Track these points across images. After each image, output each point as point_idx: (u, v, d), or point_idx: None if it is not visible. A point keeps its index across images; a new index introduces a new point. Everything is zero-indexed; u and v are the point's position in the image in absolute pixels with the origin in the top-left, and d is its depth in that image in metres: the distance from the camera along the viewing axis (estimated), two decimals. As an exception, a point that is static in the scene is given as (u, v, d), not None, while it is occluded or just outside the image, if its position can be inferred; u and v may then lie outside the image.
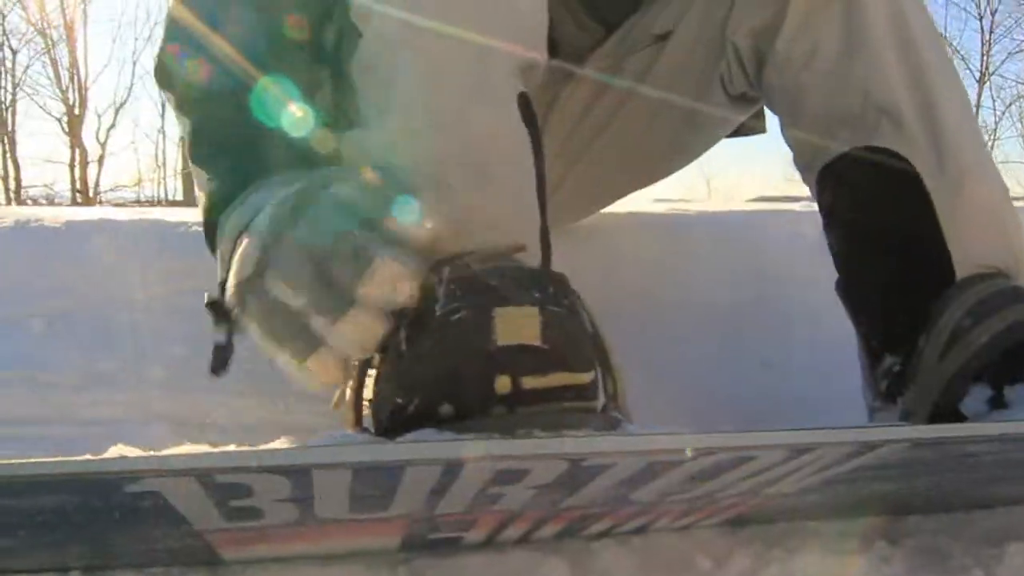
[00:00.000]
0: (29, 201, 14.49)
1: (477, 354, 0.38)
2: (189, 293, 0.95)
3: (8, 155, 11.49)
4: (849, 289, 0.77)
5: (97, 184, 11.98)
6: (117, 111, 11.39)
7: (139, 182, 13.40)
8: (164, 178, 12.56)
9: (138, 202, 14.48)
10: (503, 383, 0.37)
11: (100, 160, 11.78)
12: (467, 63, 0.58)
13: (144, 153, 13.92)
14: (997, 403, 0.62)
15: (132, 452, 0.39)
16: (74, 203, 12.24)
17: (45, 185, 13.67)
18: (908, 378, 0.69)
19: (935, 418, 0.66)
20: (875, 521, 0.65)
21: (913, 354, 0.68)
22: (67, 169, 11.66)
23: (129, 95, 11.35)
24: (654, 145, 0.96)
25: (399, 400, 0.39)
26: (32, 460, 0.29)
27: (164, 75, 0.65)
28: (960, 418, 0.65)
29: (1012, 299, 0.65)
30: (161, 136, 12.27)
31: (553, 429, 0.36)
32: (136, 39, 11.84)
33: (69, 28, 10.38)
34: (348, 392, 0.44)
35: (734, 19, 0.83)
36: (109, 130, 11.39)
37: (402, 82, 0.58)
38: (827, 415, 0.79)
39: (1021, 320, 0.63)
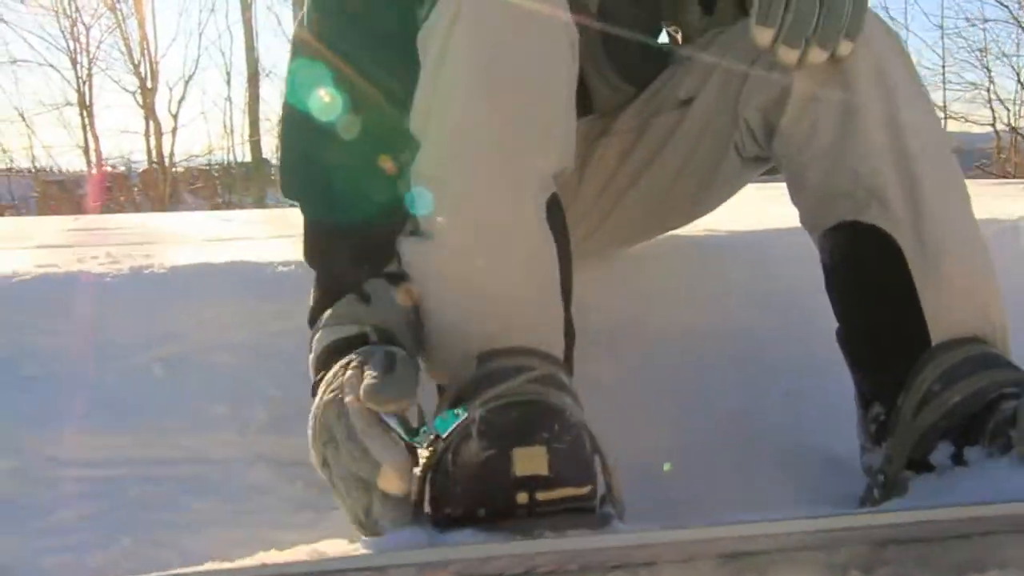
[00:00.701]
0: (109, 168, 15.29)
1: (502, 481, 0.53)
2: (280, 335, 1.13)
3: (88, 128, 12.08)
4: (845, 340, 0.88)
5: (172, 154, 12.51)
6: (187, 83, 11.81)
7: (210, 151, 13.90)
8: (232, 145, 12.99)
9: (209, 166, 15.11)
10: (522, 497, 0.53)
11: (173, 132, 12.27)
12: (507, 182, 0.72)
13: (213, 120, 14.38)
14: (958, 460, 0.73)
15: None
16: (150, 168, 12.77)
17: (122, 156, 14.36)
18: (889, 428, 0.80)
19: (910, 465, 0.78)
20: (852, 551, 0.76)
21: (894, 408, 0.79)
22: (143, 139, 12.18)
23: (196, 67, 11.72)
24: (678, 198, 1.07)
25: (448, 509, 0.55)
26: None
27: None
28: (930, 468, 0.76)
29: (979, 366, 0.76)
30: (228, 104, 12.67)
31: (559, 529, 0.51)
32: (200, 11, 12.12)
33: (138, 2, 10.75)
34: (413, 491, 0.59)
35: (745, 93, 0.93)
36: (180, 102, 11.84)
37: (451, 198, 0.72)
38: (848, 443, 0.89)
39: (983, 387, 0.74)
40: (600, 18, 0.97)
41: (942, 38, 11.02)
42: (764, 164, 1.00)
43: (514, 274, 0.69)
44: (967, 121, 11.56)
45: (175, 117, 11.78)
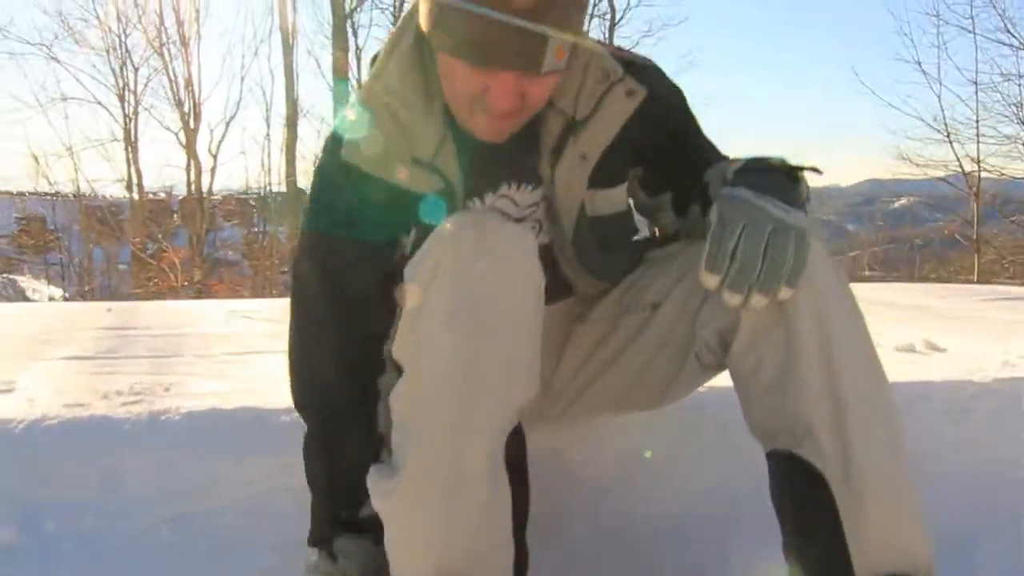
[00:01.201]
0: (151, 195, 15.77)
1: None
2: (282, 493, 1.21)
3: (132, 164, 12.49)
4: (785, 558, 0.93)
5: (210, 191, 12.87)
6: (228, 124, 12.18)
7: (247, 187, 14.29)
8: (269, 182, 13.33)
9: (246, 194, 15.55)
10: None
11: (212, 171, 12.64)
12: (467, 433, 0.80)
13: (252, 157, 14.82)
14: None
15: None
16: (189, 198, 13.09)
17: (164, 186, 14.80)
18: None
19: None
20: None
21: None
22: (183, 172, 12.56)
23: (238, 109, 12.11)
24: (643, 390, 1.13)
25: None
26: None
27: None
28: None
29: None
30: (267, 142, 13.01)
31: None
32: (243, 55, 12.55)
33: (185, 44, 11.15)
34: None
35: (704, 314, 0.99)
36: (220, 142, 12.21)
37: (414, 440, 0.80)
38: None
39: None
40: (576, 246, 1.05)
41: (976, 93, 10.88)
42: (721, 370, 1.06)
43: (466, 522, 0.77)
44: (1002, 174, 11.43)
45: (215, 157, 12.13)
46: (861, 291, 3.18)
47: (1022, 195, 11.96)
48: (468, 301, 0.81)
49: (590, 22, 12.21)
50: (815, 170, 1.00)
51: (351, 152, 0.91)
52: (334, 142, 0.95)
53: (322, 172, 0.97)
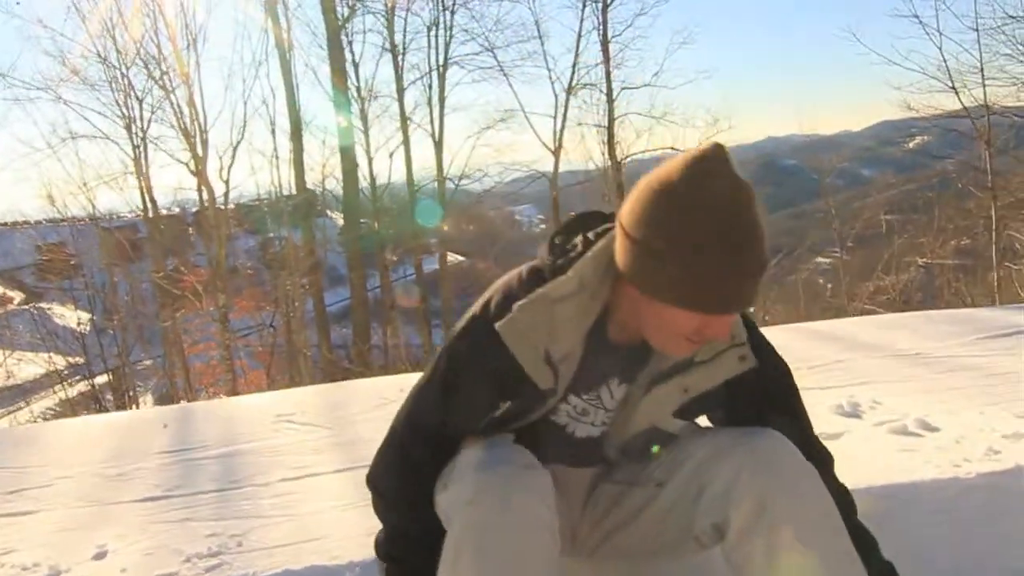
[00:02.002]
0: (165, 211, 16.06)
1: None
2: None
3: (146, 193, 12.71)
4: None
5: (226, 217, 13.05)
6: (235, 149, 12.28)
7: (258, 197, 14.48)
8: (280, 189, 13.49)
9: (259, 200, 15.78)
10: None
11: (226, 195, 12.82)
12: None
13: (261, 171, 14.92)
14: None
15: None
16: (203, 213, 13.30)
17: (178, 203, 15.00)
18: None
19: None
20: None
21: None
22: (195, 193, 12.74)
23: (243, 134, 12.15)
24: (654, 551, 1.31)
25: None
26: None
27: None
28: None
29: None
30: (275, 159, 13.11)
31: None
32: (244, 79, 12.59)
33: (184, 74, 11.25)
34: None
35: (702, 505, 1.17)
36: (230, 168, 12.32)
37: None
38: None
39: None
40: (625, 443, 1.25)
41: (978, 39, 10.71)
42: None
43: None
44: (1014, 117, 11.30)
45: (227, 183, 12.31)
46: (857, 332, 3.32)
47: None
48: (495, 554, 1.01)
49: (584, 8, 12.14)
50: None
51: (507, 326, 1.06)
52: (501, 304, 1.10)
53: (467, 328, 1.13)
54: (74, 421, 3.54)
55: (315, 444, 2.45)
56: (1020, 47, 10.69)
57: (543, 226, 22.80)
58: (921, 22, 11.03)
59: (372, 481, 1.26)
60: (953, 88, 11.07)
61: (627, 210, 1.01)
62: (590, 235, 1.12)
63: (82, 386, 13.41)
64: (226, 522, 1.93)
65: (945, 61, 11.01)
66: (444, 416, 1.15)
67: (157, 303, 13.00)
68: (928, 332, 3.22)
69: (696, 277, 0.96)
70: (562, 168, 13.93)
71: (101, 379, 13.47)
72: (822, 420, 2.20)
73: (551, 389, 1.11)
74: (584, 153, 14.03)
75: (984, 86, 10.95)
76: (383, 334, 14.85)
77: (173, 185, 13.65)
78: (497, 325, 1.06)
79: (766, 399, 1.23)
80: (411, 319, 16.32)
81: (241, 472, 2.27)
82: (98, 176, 12.55)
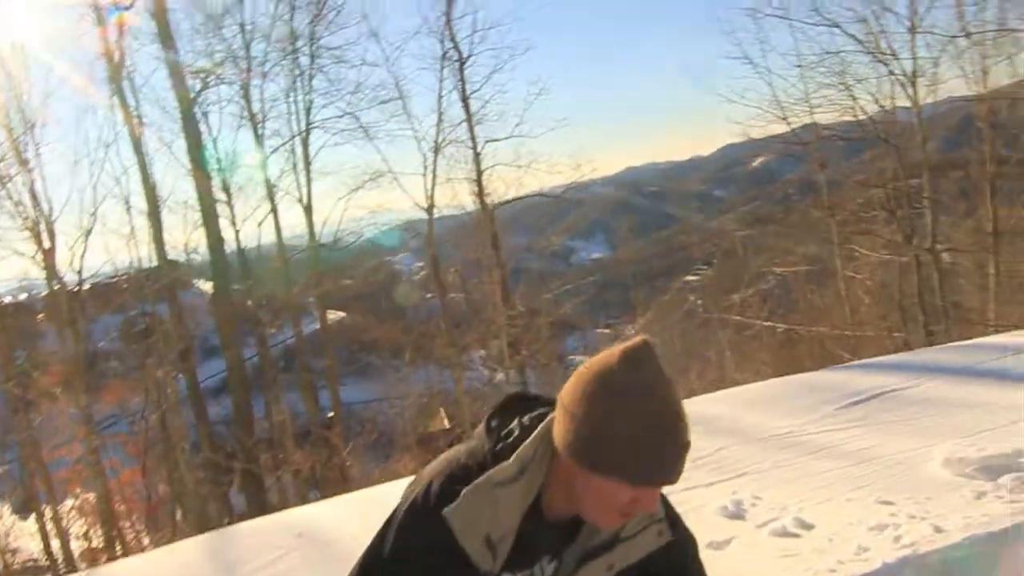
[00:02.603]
0: (9, 298, 14.67)
1: None
2: None
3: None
4: None
5: (82, 309, 12.12)
6: (87, 236, 11.40)
7: (117, 277, 13.54)
8: (140, 261, 12.66)
9: (115, 277, 14.75)
10: None
11: (79, 282, 11.88)
12: None
13: (120, 256, 13.80)
14: None
15: None
16: (52, 295, 12.27)
17: (20, 283, 13.75)
18: None
19: None
20: None
21: None
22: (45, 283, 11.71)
23: (94, 220, 11.24)
24: None
25: None
26: None
27: None
28: None
29: None
30: (133, 239, 12.29)
31: None
32: (92, 162, 11.65)
33: (22, 162, 10.38)
34: None
35: None
36: (82, 257, 11.43)
37: None
38: None
39: None
40: None
41: (801, 74, 11.85)
42: None
43: None
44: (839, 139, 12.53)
45: (79, 273, 11.43)
46: (733, 413, 3.52)
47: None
48: None
49: (442, 69, 12.36)
50: None
51: (457, 513, 1.11)
52: (444, 486, 1.14)
53: (413, 508, 1.16)
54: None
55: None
56: (836, 77, 11.90)
57: (422, 273, 22.73)
58: (752, 62, 12.03)
59: None
60: (785, 119, 12.13)
61: (568, 392, 1.10)
62: (525, 420, 1.19)
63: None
64: None
65: (776, 96, 12.05)
66: None
67: (7, 407, 11.81)
68: (789, 406, 3.49)
69: (635, 452, 1.06)
70: (436, 214, 14.01)
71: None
72: (711, 525, 2.33)
73: (489, 571, 1.15)
74: (457, 202, 14.17)
75: (812, 113, 12.09)
76: (265, 405, 14.26)
77: (16, 275, 12.49)
78: (445, 511, 1.11)
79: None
80: (293, 385, 15.76)
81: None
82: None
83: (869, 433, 2.92)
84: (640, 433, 1.06)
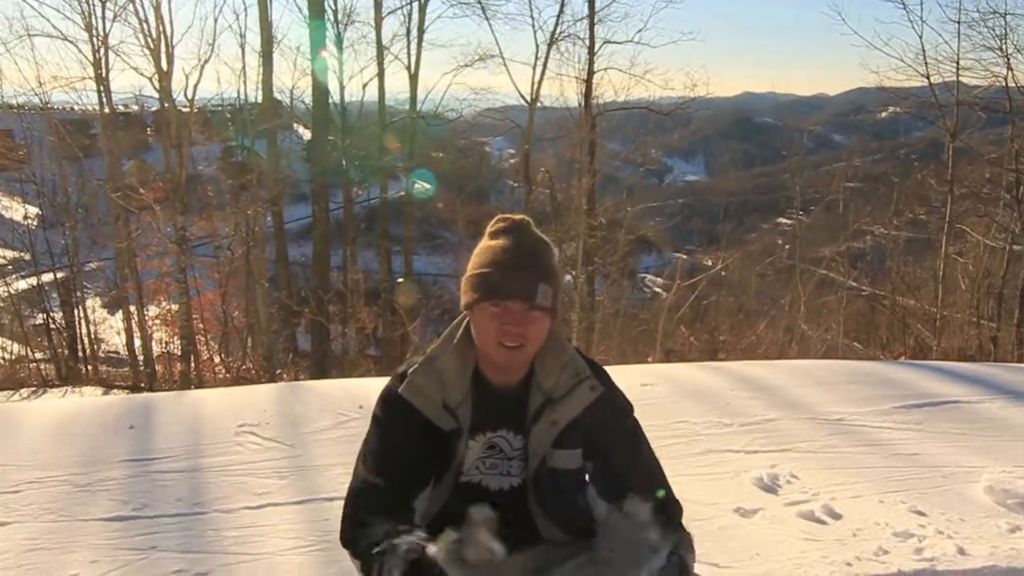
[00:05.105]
0: (122, 107, 15.39)
1: None
2: None
3: (105, 98, 12.16)
4: None
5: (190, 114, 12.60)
6: (202, 67, 11.72)
7: (221, 99, 13.95)
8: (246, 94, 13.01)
9: (221, 106, 15.29)
10: None
11: (189, 107, 12.35)
12: None
13: (229, 91, 14.18)
14: None
15: None
16: (161, 112, 12.82)
17: (136, 99, 14.37)
18: None
19: None
20: None
21: None
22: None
23: (212, 51, 11.51)
24: None
25: None
26: None
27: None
28: None
29: None
30: (243, 74, 12.57)
31: None
32: None
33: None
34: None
35: None
36: (196, 86, 11.80)
37: None
38: None
39: None
40: (536, 489, 1.41)
41: (958, 31, 10.80)
42: None
43: None
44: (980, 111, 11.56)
45: (191, 102, 11.83)
46: (789, 386, 3.52)
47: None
48: None
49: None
50: None
51: (407, 388, 1.36)
52: (398, 379, 1.39)
53: (383, 399, 1.41)
54: (45, 405, 3.59)
55: (276, 465, 2.60)
56: (998, 40, 10.84)
57: (512, 160, 22.60)
58: (905, 7, 11.04)
59: (343, 544, 1.38)
60: (927, 76, 11.22)
61: None
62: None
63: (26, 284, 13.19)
64: (191, 556, 2.09)
65: (924, 51, 11.10)
66: (383, 466, 1.35)
67: (110, 213, 12.65)
68: (851, 393, 3.48)
69: (487, 276, 1.30)
70: (538, 107, 13.75)
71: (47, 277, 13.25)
72: (743, 492, 2.44)
73: (456, 429, 1.36)
74: (562, 99, 13.85)
75: (958, 78, 11.13)
76: (342, 258, 14.86)
77: (133, 85, 13.04)
78: (400, 389, 1.37)
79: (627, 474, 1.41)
80: (371, 245, 16.28)
81: (205, 495, 2.41)
82: (54, 79, 11.95)
83: (922, 439, 2.92)
84: (489, 263, 1.31)
